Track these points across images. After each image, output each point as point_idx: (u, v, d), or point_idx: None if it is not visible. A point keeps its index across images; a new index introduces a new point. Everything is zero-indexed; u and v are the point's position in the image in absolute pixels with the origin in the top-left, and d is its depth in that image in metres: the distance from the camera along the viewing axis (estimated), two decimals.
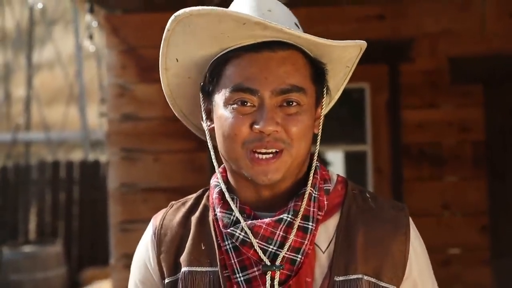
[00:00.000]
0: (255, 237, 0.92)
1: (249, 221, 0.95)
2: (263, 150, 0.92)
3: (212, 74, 1.01)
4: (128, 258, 3.41)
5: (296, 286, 0.95)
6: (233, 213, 0.97)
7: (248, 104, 0.93)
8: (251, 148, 0.92)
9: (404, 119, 3.21)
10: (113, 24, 3.47)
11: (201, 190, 1.18)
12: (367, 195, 1.06)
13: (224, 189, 1.03)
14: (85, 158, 9.38)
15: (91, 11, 3.36)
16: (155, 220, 1.16)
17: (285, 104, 0.93)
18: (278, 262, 0.93)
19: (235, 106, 0.93)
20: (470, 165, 3.41)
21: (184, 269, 1.04)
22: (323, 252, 0.98)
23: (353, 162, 3.87)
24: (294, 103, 0.93)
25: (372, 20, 3.26)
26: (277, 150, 0.90)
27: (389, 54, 3.25)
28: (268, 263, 0.92)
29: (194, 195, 1.18)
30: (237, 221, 0.96)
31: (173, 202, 1.18)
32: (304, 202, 0.95)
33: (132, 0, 3.40)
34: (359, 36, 3.47)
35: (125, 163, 3.50)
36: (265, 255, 0.92)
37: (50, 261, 6.87)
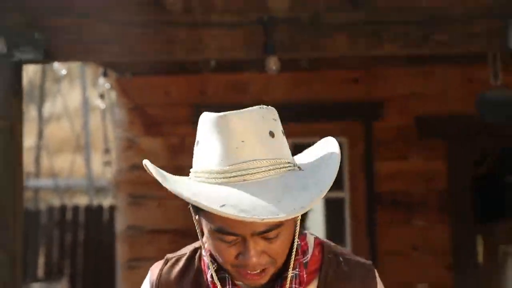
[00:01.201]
0: None
1: None
2: (249, 271, 0.95)
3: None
4: None
5: None
6: None
7: (232, 238, 0.94)
8: (238, 269, 0.96)
9: (377, 170, 3.49)
10: (122, 85, 3.76)
11: (191, 250, 1.17)
12: (340, 259, 1.10)
13: (216, 279, 1.05)
14: (90, 203, 9.78)
15: (105, 75, 3.67)
16: (152, 274, 1.18)
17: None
18: None
19: (220, 237, 0.95)
20: (435, 211, 3.69)
21: None
22: None
23: (332, 207, 4.14)
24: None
25: (348, 83, 3.57)
26: (263, 269, 0.94)
27: (363, 113, 3.57)
28: None
29: (186, 254, 1.16)
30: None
31: (168, 256, 1.18)
32: (287, 285, 1.01)
33: (139, 65, 3.65)
34: (338, 96, 3.90)
35: (132, 208, 3.74)
36: None
37: None
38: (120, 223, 3.89)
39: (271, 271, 0.93)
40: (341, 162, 2.72)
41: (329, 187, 0.83)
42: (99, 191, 10.34)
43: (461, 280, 3.81)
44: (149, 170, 0.88)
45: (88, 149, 11.48)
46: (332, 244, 1.11)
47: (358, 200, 3.53)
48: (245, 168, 0.88)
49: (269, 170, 0.90)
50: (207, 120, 0.92)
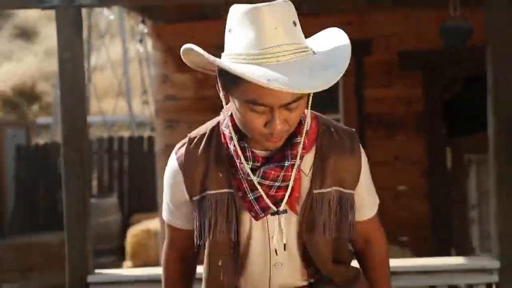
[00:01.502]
0: (266, 180, 1.12)
1: (262, 169, 1.13)
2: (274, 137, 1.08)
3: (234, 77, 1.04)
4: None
5: (289, 200, 1.16)
6: (249, 163, 1.14)
7: (262, 109, 1.04)
8: (265, 135, 1.07)
9: (366, 95, 4.11)
10: (157, 31, 4.39)
11: (210, 129, 1.29)
12: (332, 129, 1.23)
13: (238, 146, 1.17)
14: (132, 135, 11.06)
15: (143, 22, 4.34)
16: (179, 152, 1.31)
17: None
18: (282, 207, 1.15)
19: (252, 108, 1.05)
20: (413, 128, 4.36)
21: (208, 191, 1.23)
22: (306, 175, 1.18)
23: None
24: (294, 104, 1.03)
25: (343, 25, 4.21)
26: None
27: (355, 50, 4.24)
28: (274, 209, 1.16)
29: (206, 132, 1.28)
30: (253, 168, 1.15)
31: (190, 135, 1.29)
32: (299, 152, 1.13)
33: (171, 14, 4.23)
34: None
35: (167, 131, 4.44)
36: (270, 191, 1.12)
37: (109, 210, 8.32)
38: (158, 144, 4.58)
39: (285, 136, 1.08)
40: (336, 89, 3.60)
41: (345, 68, 0.97)
42: (139, 125, 11.41)
43: (434, 183, 4.55)
44: (199, 52, 1.03)
45: (128, 91, 12.62)
46: (324, 116, 1.27)
47: (351, 120, 4.15)
48: (278, 51, 1.00)
49: (296, 53, 1.01)
50: (238, 11, 1.03)
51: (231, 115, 1.20)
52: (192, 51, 1.09)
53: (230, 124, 1.21)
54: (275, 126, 1.05)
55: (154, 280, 2.66)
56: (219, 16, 4.31)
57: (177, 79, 4.51)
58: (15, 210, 9.55)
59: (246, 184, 1.20)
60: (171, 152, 3.94)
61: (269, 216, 1.25)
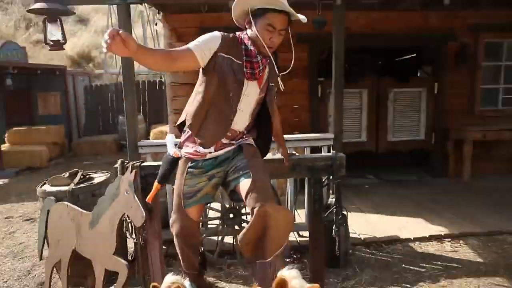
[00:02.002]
0: (257, 64, 2.00)
1: (259, 57, 1.99)
2: (272, 45, 1.99)
3: (260, 12, 1.92)
4: (176, 114, 5.62)
5: (260, 79, 2.03)
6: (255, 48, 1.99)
7: (272, 29, 1.92)
8: (268, 44, 1.94)
9: (280, 57, 5.41)
10: (166, 18, 5.57)
11: (233, 34, 2.07)
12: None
13: (252, 46, 2.01)
14: (149, 80, 12.34)
15: (158, 12, 5.54)
16: (223, 33, 2.03)
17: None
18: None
19: (267, 29, 1.93)
20: (302, 74, 5.53)
21: (228, 56, 1.99)
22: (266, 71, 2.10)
23: None
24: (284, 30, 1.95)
25: None
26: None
27: None
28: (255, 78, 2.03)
29: (231, 34, 2.08)
30: (258, 53, 2.01)
31: (223, 33, 2.04)
32: (271, 60, 2.07)
33: (175, 7, 5.33)
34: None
35: (173, 74, 5.58)
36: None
37: (139, 121, 10.06)
38: (167, 81, 5.83)
39: (274, 49, 2.00)
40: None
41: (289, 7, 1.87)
42: (154, 74, 12.99)
43: (312, 103, 5.75)
44: (250, 2, 1.92)
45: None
46: None
47: None
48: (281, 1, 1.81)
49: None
50: None
51: (246, 34, 2.05)
52: (240, 4, 1.96)
53: (247, 37, 2.04)
54: (275, 40, 1.96)
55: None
56: (202, 10, 5.39)
57: (177, 45, 5.39)
58: (86, 122, 11.79)
59: (249, 64, 2.00)
60: (176, 86, 5.98)
61: (250, 81, 2.04)
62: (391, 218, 4.46)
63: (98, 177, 3.41)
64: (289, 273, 1.56)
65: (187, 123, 2.17)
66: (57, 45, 3.12)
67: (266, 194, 1.97)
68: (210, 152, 2.17)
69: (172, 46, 5.51)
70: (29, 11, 2.94)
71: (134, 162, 2.75)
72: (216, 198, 2.66)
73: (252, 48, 1.99)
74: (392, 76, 6.57)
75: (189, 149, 2.22)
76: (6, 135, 9.06)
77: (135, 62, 2.95)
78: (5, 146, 8.73)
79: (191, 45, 1.93)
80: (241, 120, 2.14)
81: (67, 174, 3.31)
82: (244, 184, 2.03)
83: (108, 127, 11.39)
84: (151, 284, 1.79)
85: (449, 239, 3.87)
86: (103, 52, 16.07)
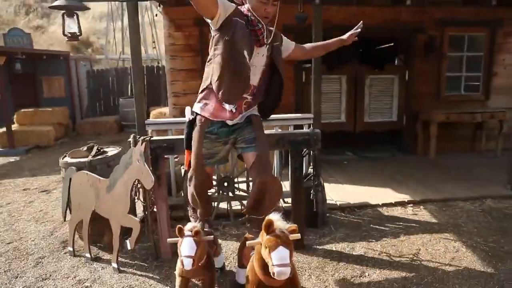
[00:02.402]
0: (261, 29, 2.24)
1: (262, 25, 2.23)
2: (267, 13, 2.22)
3: None
4: (175, 97, 5.97)
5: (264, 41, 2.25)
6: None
7: (266, 1, 2.16)
8: (264, 14, 2.20)
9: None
10: (166, 10, 5.86)
11: (235, 6, 2.22)
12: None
13: (248, 14, 2.22)
14: (147, 65, 12.45)
15: (159, 5, 5.80)
16: (235, 4, 2.24)
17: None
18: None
19: (261, 1, 2.15)
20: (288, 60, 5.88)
21: (241, 21, 2.19)
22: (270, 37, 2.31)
23: None
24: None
25: None
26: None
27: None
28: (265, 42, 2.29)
29: (235, 6, 2.24)
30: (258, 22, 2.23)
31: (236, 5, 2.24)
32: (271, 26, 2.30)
33: (173, 1, 5.64)
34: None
35: (170, 61, 5.89)
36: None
37: None
38: (166, 67, 6.09)
39: (269, 19, 2.27)
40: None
41: None
42: (152, 60, 13.14)
43: (296, 87, 6.04)
44: None
45: (145, 41, 14.20)
46: None
47: None
48: None
49: None
50: None
51: (244, 7, 2.23)
52: None
53: (245, 9, 2.24)
54: (269, 9, 2.18)
55: (178, 122, 3.87)
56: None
57: (175, 35, 5.91)
58: (88, 104, 12.14)
59: (253, 32, 2.22)
60: (174, 72, 6.45)
61: (257, 47, 2.25)
62: (364, 188, 4.88)
63: (111, 150, 3.75)
64: (273, 216, 1.97)
65: (213, 82, 2.27)
66: (74, 37, 3.40)
67: (267, 167, 2.39)
68: (231, 112, 2.38)
69: (171, 35, 5.88)
70: (51, 7, 3.21)
71: (144, 137, 3.10)
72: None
73: (252, 18, 2.20)
74: (372, 63, 6.97)
75: (209, 107, 2.40)
76: (14, 116, 9.26)
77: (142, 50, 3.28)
78: (14, 126, 8.94)
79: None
80: (254, 75, 2.33)
81: (85, 148, 3.64)
82: (251, 157, 2.41)
83: (109, 109, 11.65)
84: (177, 226, 2.23)
85: (411, 205, 4.31)
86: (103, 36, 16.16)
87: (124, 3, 4.83)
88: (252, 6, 2.15)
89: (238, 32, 2.12)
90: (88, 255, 3.31)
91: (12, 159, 7.81)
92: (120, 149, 3.78)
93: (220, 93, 2.25)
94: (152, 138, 3.12)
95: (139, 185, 3.11)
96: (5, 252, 3.53)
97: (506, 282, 2.76)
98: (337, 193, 4.68)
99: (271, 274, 1.85)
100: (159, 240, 3.27)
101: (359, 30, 2.69)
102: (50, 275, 3.05)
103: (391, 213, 4.13)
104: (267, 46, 2.30)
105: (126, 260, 3.26)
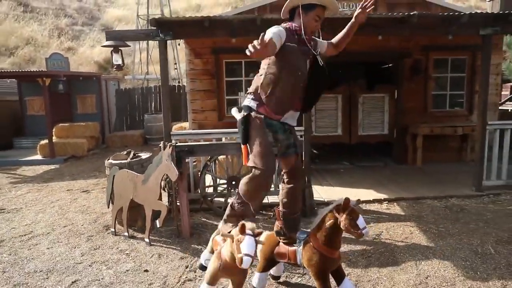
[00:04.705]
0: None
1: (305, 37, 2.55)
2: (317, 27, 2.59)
3: (309, 6, 2.44)
4: (195, 113, 7.12)
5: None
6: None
7: (318, 19, 2.52)
8: (313, 31, 2.56)
9: None
10: (187, 41, 6.93)
11: (286, 24, 2.55)
12: None
13: (303, 31, 2.49)
14: (171, 84, 13.52)
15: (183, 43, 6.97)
16: (283, 27, 2.47)
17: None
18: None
19: (315, 18, 2.49)
20: None
21: (292, 44, 2.46)
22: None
23: None
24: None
25: None
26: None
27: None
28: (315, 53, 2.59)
29: (284, 25, 2.54)
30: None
31: (285, 25, 2.53)
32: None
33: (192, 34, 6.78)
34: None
35: (191, 83, 7.03)
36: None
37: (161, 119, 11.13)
38: (187, 88, 7.22)
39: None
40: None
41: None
42: (173, 79, 14.82)
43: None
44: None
45: (168, 64, 15.38)
46: None
47: None
48: None
49: None
50: None
51: (293, 24, 2.52)
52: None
53: (294, 26, 2.51)
54: (318, 26, 2.55)
55: (203, 133, 4.96)
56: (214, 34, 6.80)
57: (195, 61, 7.09)
58: (116, 119, 13.43)
59: (301, 42, 2.51)
60: (194, 92, 7.73)
61: (307, 58, 2.57)
62: (351, 189, 5.83)
63: (144, 155, 4.88)
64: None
65: (262, 96, 2.54)
66: (119, 68, 4.56)
67: (299, 174, 2.79)
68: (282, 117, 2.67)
69: (191, 61, 7.03)
70: (103, 46, 4.37)
71: (171, 143, 4.20)
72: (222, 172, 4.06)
73: (298, 31, 2.46)
74: (369, 81, 7.94)
75: (262, 109, 2.61)
76: (53, 130, 10.61)
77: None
78: (53, 139, 10.27)
79: (273, 36, 2.29)
80: (302, 82, 2.59)
81: (124, 153, 4.79)
82: (290, 159, 2.76)
83: (135, 123, 13.04)
84: (240, 223, 2.25)
85: (387, 202, 5.25)
86: (125, 59, 17.72)
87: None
88: (305, 23, 2.47)
89: (291, 56, 2.42)
90: (126, 233, 4.40)
91: (53, 166, 9.14)
92: (151, 154, 4.90)
93: (269, 107, 2.57)
94: (176, 144, 4.22)
95: (167, 179, 4.20)
96: (63, 232, 4.67)
97: (439, 251, 3.71)
98: (327, 193, 5.64)
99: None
100: (181, 223, 4.33)
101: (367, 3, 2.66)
102: (99, 247, 4.15)
103: (368, 208, 5.08)
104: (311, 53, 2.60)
105: (155, 238, 4.33)
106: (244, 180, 2.65)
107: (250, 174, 2.57)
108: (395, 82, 7.54)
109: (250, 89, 2.68)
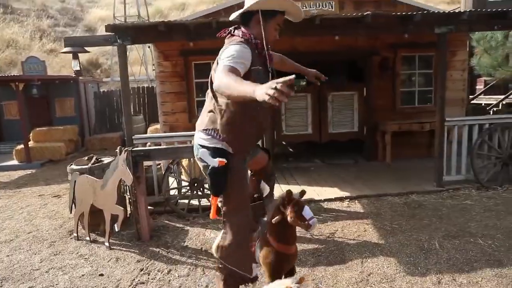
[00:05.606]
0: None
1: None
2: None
3: (271, 13, 2.04)
4: (165, 115, 7.20)
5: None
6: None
7: (278, 28, 2.14)
8: (272, 40, 2.16)
9: None
10: (155, 44, 7.05)
11: (243, 38, 2.12)
12: None
13: (265, 44, 2.12)
14: (148, 86, 13.98)
15: (152, 45, 7.04)
16: (245, 45, 2.05)
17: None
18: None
19: (275, 27, 2.10)
20: None
21: (256, 67, 2.03)
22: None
23: None
24: None
25: None
26: None
27: None
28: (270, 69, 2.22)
29: (242, 39, 2.11)
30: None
31: (241, 39, 2.10)
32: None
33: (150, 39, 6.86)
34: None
35: (161, 85, 7.12)
36: None
37: (140, 120, 11.84)
38: (157, 90, 7.33)
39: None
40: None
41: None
42: (152, 80, 14.54)
43: None
44: (261, 6, 2.04)
45: (146, 64, 15.55)
46: None
47: None
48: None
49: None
50: None
51: (248, 32, 2.12)
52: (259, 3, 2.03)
53: (253, 36, 2.12)
54: (277, 36, 2.19)
55: (165, 136, 5.09)
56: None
57: (164, 63, 7.17)
58: (96, 122, 13.46)
59: (262, 60, 2.12)
60: (164, 94, 7.66)
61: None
62: (317, 188, 5.95)
63: (106, 159, 4.95)
64: None
65: (222, 135, 2.20)
66: (78, 74, 4.64)
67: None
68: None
69: (161, 64, 7.13)
70: (62, 52, 4.44)
71: (126, 148, 4.28)
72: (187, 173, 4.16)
73: (260, 47, 2.11)
74: (339, 79, 8.04)
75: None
76: (30, 134, 10.61)
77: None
78: (30, 143, 10.27)
79: (237, 66, 1.88)
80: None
81: (86, 158, 4.86)
82: (261, 157, 2.64)
83: (114, 126, 13.10)
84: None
85: (348, 200, 5.38)
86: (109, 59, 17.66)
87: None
88: (265, 32, 2.08)
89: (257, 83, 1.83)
90: (88, 238, 4.48)
91: (29, 171, 9.16)
92: (113, 158, 4.96)
93: (231, 147, 2.24)
94: (132, 148, 4.30)
95: (125, 183, 4.28)
96: (26, 238, 4.74)
97: (387, 248, 3.84)
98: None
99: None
100: (140, 226, 4.42)
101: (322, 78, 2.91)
102: (59, 252, 4.23)
103: (330, 206, 5.20)
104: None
105: (116, 241, 4.42)
106: (224, 248, 2.37)
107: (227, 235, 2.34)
108: (364, 79, 7.70)
109: (203, 126, 2.29)
